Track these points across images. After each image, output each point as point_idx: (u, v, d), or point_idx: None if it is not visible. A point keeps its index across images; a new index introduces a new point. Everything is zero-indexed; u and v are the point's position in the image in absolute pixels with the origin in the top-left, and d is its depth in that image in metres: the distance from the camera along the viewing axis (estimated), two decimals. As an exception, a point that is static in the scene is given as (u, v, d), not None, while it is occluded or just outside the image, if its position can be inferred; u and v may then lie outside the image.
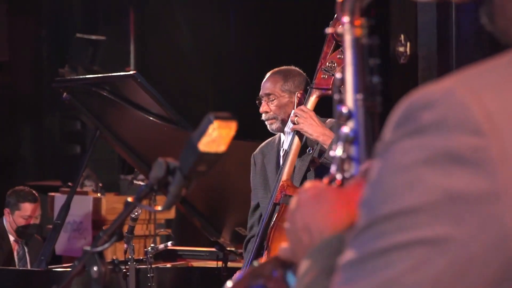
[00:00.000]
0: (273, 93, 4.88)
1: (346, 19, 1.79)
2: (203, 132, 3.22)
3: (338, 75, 1.74)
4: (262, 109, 4.91)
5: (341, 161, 1.62)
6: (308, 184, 1.60)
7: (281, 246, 1.60)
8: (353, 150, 1.61)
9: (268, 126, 4.94)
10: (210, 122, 3.25)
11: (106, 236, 3.38)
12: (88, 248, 3.46)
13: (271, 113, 4.87)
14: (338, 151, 1.63)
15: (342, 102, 1.70)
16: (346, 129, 1.63)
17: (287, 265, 1.64)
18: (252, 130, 5.11)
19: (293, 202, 1.58)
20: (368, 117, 1.64)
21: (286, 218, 4.36)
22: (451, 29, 8.17)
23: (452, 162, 1.15)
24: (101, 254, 3.42)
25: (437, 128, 1.17)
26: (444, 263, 1.15)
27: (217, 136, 3.24)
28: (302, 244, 1.50)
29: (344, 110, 1.66)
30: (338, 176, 1.62)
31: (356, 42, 1.77)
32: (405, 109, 1.22)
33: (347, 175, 1.61)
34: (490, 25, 1.35)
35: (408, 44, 8.41)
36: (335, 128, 3.79)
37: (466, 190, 1.14)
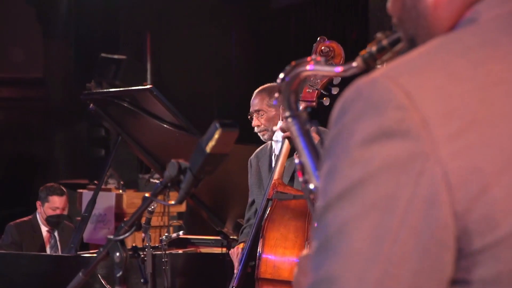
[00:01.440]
0: (261, 109, 4.92)
1: (286, 113, 1.86)
2: (210, 137, 3.23)
3: (296, 161, 1.83)
4: (254, 123, 4.96)
5: None
6: (305, 251, 1.63)
7: None
8: None
9: (260, 136, 4.98)
10: (216, 128, 3.26)
11: (127, 227, 3.38)
12: (111, 236, 3.46)
13: (262, 126, 4.90)
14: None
15: (306, 182, 1.77)
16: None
17: None
18: (251, 135, 5.12)
19: (296, 269, 1.61)
20: None
21: (277, 215, 4.35)
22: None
23: (384, 136, 1.17)
24: (122, 242, 3.42)
25: (366, 113, 1.20)
26: (395, 222, 1.16)
27: (222, 140, 3.25)
28: None
29: (312, 187, 1.74)
30: None
31: (302, 129, 1.82)
32: (340, 106, 1.26)
33: None
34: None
35: (385, 65, 8.41)
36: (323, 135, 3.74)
37: (399, 155, 1.17)
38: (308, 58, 1.80)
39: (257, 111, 4.93)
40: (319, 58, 1.78)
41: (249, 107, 5.18)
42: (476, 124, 1.19)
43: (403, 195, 1.17)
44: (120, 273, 3.39)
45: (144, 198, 3.40)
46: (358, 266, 1.17)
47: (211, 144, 3.20)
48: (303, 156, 1.76)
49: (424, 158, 1.17)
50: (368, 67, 1.70)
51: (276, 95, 1.84)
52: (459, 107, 1.20)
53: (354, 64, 1.73)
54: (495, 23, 1.31)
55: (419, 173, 1.17)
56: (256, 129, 4.95)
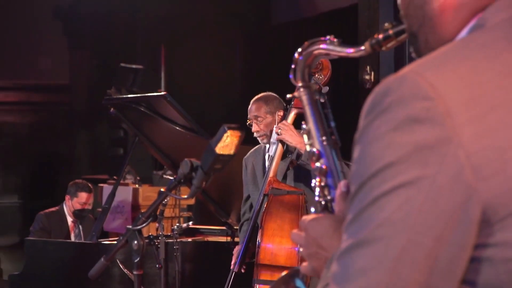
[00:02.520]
0: (260, 116, 4.89)
1: (299, 83, 1.83)
2: (219, 139, 3.25)
3: (304, 127, 1.78)
4: (254, 129, 4.93)
5: (321, 189, 1.66)
6: (305, 216, 1.60)
7: (302, 265, 1.58)
8: (327, 179, 1.67)
9: (260, 140, 4.96)
10: (225, 131, 3.28)
11: (144, 218, 3.39)
12: (130, 226, 3.48)
13: (261, 131, 4.89)
14: (316, 181, 1.68)
15: (311, 145, 1.74)
16: (318, 164, 1.68)
17: (296, 274, 1.69)
18: (252, 137, 5.13)
19: (301, 229, 1.57)
20: (332, 151, 1.71)
21: (273, 208, 4.36)
22: (405, 62, 8.17)
23: (413, 123, 1.20)
24: (140, 231, 3.44)
25: (396, 104, 1.23)
26: (422, 197, 1.19)
27: (229, 141, 3.27)
28: (320, 260, 1.51)
29: (315, 150, 1.71)
30: (322, 201, 1.66)
31: (311, 99, 1.80)
32: (371, 100, 1.28)
33: (327, 199, 1.66)
34: (418, 57, 1.45)
35: (372, 73, 8.40)
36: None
37: (426, 140, 1.20)
38: (322, 38, 1.80)
39: (256, 117, 4.91)
40: (333, 38, 1.77)
41: None
42: (495, 108, 1.22)
43: (429, 173, 1.19)
44: (138, 258, 3.41)
45: (160, 192, 3.42)
46: (387, 234, 1.20)
47: (220, 145, 3.22)
48: (310, 123, 1.76)
49: (448, 142, 1.20)
50: (373, 51, 1.72)
51: (292, 66, 1.84)
52: (479, 94, 1.22)
53: (362, 47, 1.73)
54: (503, 26, 1.32)
55: (444, 154, 1.19)
56: (255, 134, 4.93)
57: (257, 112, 4.91)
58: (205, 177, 3.23)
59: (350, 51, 1.75)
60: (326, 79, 4.64)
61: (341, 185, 1.55)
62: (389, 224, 1.20)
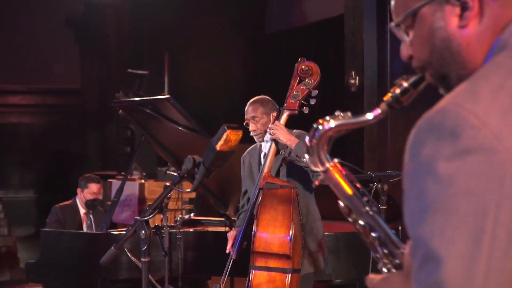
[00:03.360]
0: (257, 116, 4.87)
1: (320, 168, 1.64)
2: (219, 137, 3.28)
3: (341, 204, 1.63)
4: (251, 128, 4.87)
5: (386, 257, 1.55)
6: (372, 275, 1.50)
7: None
8: (387, 246, 1.55)
9: (256, 139, 4.94)
10: (225, 131, 3.31)
11: (151, 210, 3.42)
12: (138, 218, 3.50)
13: (258, 130, 4.87)
14: (379, 252, 1.56)
15: (355, 221, 1.61)
16: (374, 235, 1.58)
17: None
18: (249, 136, 5.14)
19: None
20: (377, 216, 1.59)
21: (267, 201, 4.36)
22: (387, 68, 8.18)
23: (465, 153, 1.15)
24: (147, 222, 3.46)
25: (444, 138, 1.18)
26: (490, 220, 1.14)
27: (229, 140, 3.29)
28: None
29: (363, 224, 1.59)
30: (392, 268, 1.55)
31: (338, 177, 1.64)
32: (415, 136, 1.23)
33: (395, 263, 1.55)
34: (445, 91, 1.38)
35: (357, 78, 8.41)
36: (301, 138, 3.67)
37: (481, 166, 1.15)
38: (328, 117, 1.63)
39: (253, 117, 4.89)
40: (341, 116, 1.63)
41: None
42: None
43: (492, 198, 1.14)
44: (145, 247, 3.43)
45: (166, 187, 3.44)
46: (465, 266, 1.13)
47: (220, 143, 3.25)
48: (345, 200, 1.61)
49: (503, 164, 1.14)
50: (392, 109, 1.62)
51: (307, 156, 1.64)
52: None
53: (379, 110, 1.62)
54: None
55: (502, 176, 1.14)
56: (252, 133, 4.91)
57: (254, 112, 4.90)
58: (207, 173, 3.26)
59: (368, 119, 1.63)
60: (315, 83, 4.66)
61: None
62: (464, 257, 1.13)
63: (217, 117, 11.59)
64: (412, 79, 1.56)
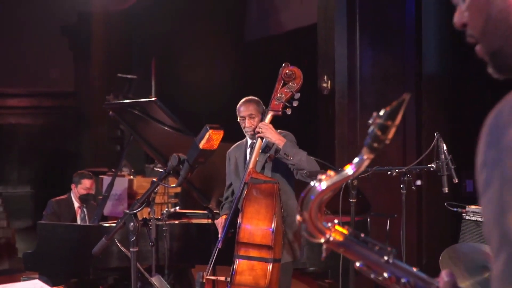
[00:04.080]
0: (253, 113, 4.86)
1: (322, 240, 1.44)
2: (202, 137, 3.28)
3: (357, 264, 1.42)
4: (248, 124, 4.85)
5: None
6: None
7: None
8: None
9: (249, 135, 4.89)
10: (207, 130, 3.31)
11: (139, 203, 3.41)
12: (127, 211, 3.49)
13: (253, 126, 4.86)
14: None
15: (378, 274, 1.41)
16: (403, 280, 1.36)
17: None
18: (229, 135, 5.13)
19: None
20: (396, 261, 1.40)
21: (252, 195, 4.36)
22: (356, 73, 8.21)
23: None
24: (135, 215, 3.45)
25: None
26: None
27: (211, 139, 3.30)
28: None
29: (387, 276, 1.40)
30: None
31: (346, 243, 1.44)
32: (496, 118, 1.08)
33: None
34: (500, 73, 1.21)
35: (329, 82, 8.43)
36: (288, 138, 3.63)
37: None
38: (312, 184, 1.40)
39: (250, 115, 4.87)
40: (327, 175, 1.39)
41: (229, 114, 5.16)
42: None
43: None
44: (134, 238, 3.42)
45: (153, 182, 3.43)
46: None
47: (203, 142, 3.25)
48: (362, 259, 1.40)
49: None
50: (375, 151, 1.34)
51: (304, 228, 1.43)
52: None
53: (364, 156, 1.36)
54: None
55: None
56: (247, 129, 4.86)
57: (251, 110, 4.87)
58: (191, 169, 3.27)
59: (354, 169, 1.38)
60: (298, 86, 4.68)
61: (444, 275, 1.29)
62: None
63: (200, 118, 11.59)
64: (386, 112, 1.31)
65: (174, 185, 3.76)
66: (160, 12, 12.62)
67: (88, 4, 13.23)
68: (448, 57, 8.31)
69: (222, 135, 3.43)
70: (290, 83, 4.67)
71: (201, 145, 3.28)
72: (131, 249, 3.48)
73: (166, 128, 5.99)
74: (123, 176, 9.14)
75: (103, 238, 3.58)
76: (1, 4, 13.44)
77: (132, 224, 3.38)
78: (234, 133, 5.08)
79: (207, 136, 3.29)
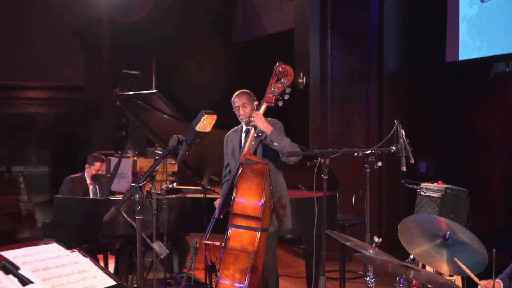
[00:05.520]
0: (246, 102, 4.86)
1: None
2: (198, 120, 3.28)
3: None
4: (242, 113, 4.86)
5: None
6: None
7: None
8: None
9: (244, 122, 4.88)
10: (203, 115, 3.31)
11: (144, 178, 3.41)
12: (133, 184, 3.49)
13: (247, 114, 4.86)
14: None
15: None
16: None
17: None
18: (221, 122, 5.12)
19: None
20: None
21: (245, 173, 4.36)
22: (328, 70, 8.23)
23: None
24: (140, 188, 3.44)
25: None
26: None
27: (206, 122, 3.30)
28: None
29: None
30: None
31: None
32: None
33: None
34: None
35: (304, 78, 8.44)
36: (275, 126, 3.61)
37: None
38: None
39: (243, 104, 4.87)
40: None
41: (220, 106, 5.14)
42: None
43: None
44: (139, 207, 3.42)
45: (155, 159, 3.43)
46: None
47: (199, 125, 3.25)
48: None
49: None
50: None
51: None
52: None
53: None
54: None
55: None
56: (242, 117, 4.87)
57: (244, 100, 4.87)
58: (188, 148, 3.26)
59: None
60: (289, 82, 4.68)
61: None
62: None
63: (194, 110, 11.55)
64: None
65: (174, 162, 3.75)
66: (160, 18, 12.59)
67: (97, 10, 13.21)
68: (405, 57, 8.35)
69: (215, 119, 3.43)
70: (282, 79, 4.67)
71: (197, 128, 3.28)
72: (137, 217, 3.48)
73: (165, 116, 5.97)
74: (128, 157, 9.11)
75: (113, 208, 3.58)
76: (20, 11, 13.38)
77: (138, 195, 3.38)
78: (222, 122, 5.07)
79: (202, 119, 3.30)
